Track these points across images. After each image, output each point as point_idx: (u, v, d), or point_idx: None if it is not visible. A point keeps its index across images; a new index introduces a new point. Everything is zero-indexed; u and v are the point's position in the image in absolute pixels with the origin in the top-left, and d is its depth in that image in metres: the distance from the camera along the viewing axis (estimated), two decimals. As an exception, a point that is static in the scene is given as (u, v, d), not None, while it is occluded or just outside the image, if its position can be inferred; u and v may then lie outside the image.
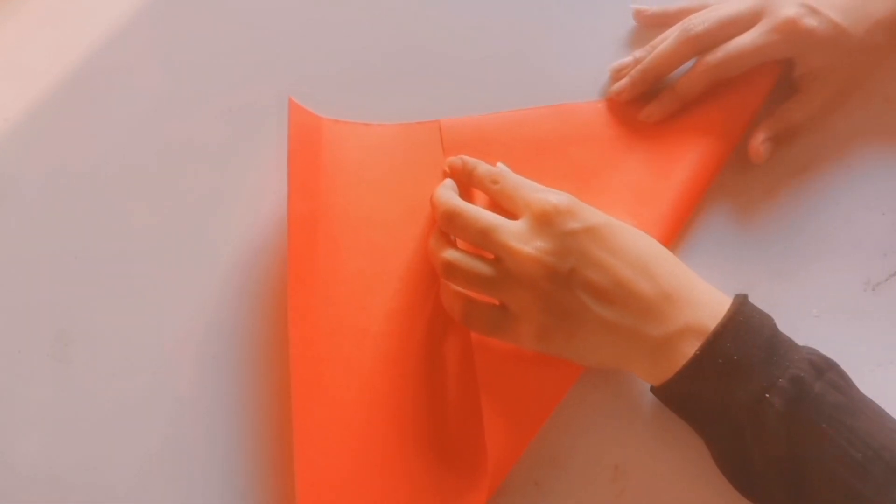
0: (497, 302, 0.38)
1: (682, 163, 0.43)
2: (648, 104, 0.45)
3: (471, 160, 0.41)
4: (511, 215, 0.38)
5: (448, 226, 0.39)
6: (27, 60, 0.48)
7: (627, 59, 0.47)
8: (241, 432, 0.39)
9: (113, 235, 0.43)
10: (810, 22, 0.42)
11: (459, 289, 0.38)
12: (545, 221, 0.36)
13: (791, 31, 0.42)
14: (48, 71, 0.47)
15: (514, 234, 0.36)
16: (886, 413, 0.34)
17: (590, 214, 0.37)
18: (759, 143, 0.44)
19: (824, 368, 0.33)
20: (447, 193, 0.40)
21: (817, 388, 0.33)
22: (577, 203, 0.37)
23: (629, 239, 0.37)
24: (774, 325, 0.35)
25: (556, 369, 0.38)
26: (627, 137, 0.45)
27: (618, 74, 0.47)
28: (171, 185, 0.45)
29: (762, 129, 0.44)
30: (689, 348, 0.34)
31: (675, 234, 0.42)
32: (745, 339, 0.34)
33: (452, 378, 0.40)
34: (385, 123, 0.45)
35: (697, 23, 0.44)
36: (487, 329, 0.37)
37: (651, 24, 0.49)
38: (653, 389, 0.36)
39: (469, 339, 0.39)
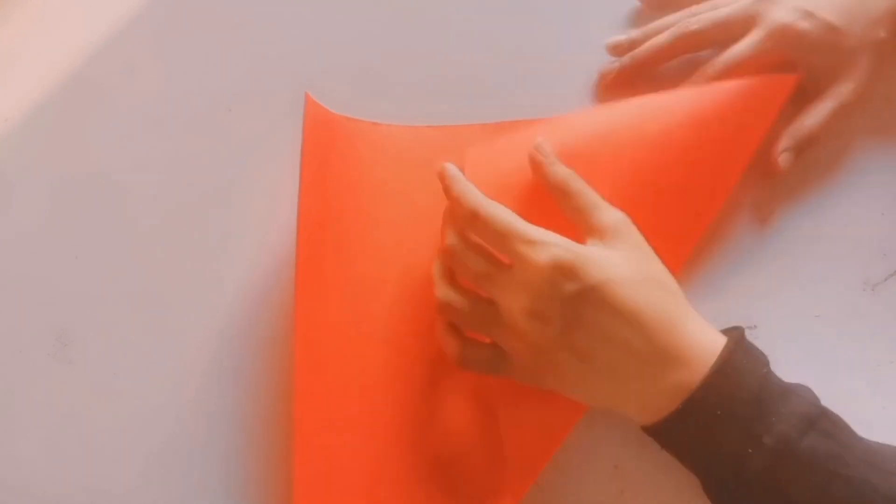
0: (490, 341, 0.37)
1: (701, 177, 0.42)
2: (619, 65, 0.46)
3: (450, 170, 0.38)
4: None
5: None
6: (28, 60, 0.48)
7: (623, 37, 0.48)
8: (242, 433, 0.39)
9: (114, 235, 0.43)
10: (804, 25, 0.42)
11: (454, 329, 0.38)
12: (539, 281, 0.34)
13: (784, 37, 0.42)
14: (49, 71, 0.47)
15: (507, 285, 0.35)
16: (878, 451, 0.33)
17: (589, 271, 0.34)
18: (778, 153, 0.43)
19: (815, 418, 0.32)
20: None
21: (804, 444, 0.32)
22: (574, 256, 0.34)
23: (629, 296, 0.34)
24: (766, 371, 0.34)
25: None
26: (651, 139, 0.44)
27: (613, 50, 0.48)
28: (172, 185, 0.45)
29: (782, 139, 0.44)
30: (677, 401, 0.33)
31: (689, 250, 0.41)
32: (730, 393, 0.33)
33: (461, 385, 0.39)
34: (397, 125, 0.45)
35: (693, 21, 0.45)
36: (482, 370, 0.37)
37: (654, 7, 0.49)
38: (643, 428, 0.36)
39: None
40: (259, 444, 0.39)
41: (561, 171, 0.38)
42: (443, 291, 0.37)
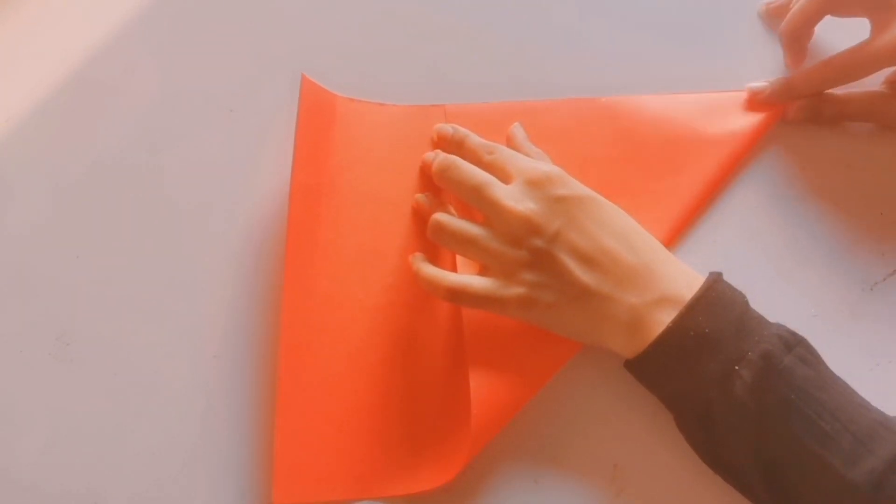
0: (479, 269, 0.39)
1: (685, 169, 0.43)
2: (763, 83, 0.45)
3: (461, 129, 0.42)
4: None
5: (442, 177, 0.40)
6: (29, 60, 0.48)
7: None
8: (242, 432, 0.39)
9: (114, 235, 0.43)
10: None
11: (441, 270, 0.39)
12: (536, 185, 0.38)
13: None
14: (50, 71, 0.47)
15: (506, 192, 0.38)
16: (852, 389, 0.35)
17: (578, 186, 0.39)
18: (798, 105, 0.44)
19: (793, 343, 0.34)
20: (441, 154, 0.41)
21: (786, 362, 0.33)
22: (566, 175, 0.39)
23: (613, 214, 0.38)
24: (746, 301, 0.36)
25: (545, 347, 0.39)
26: (632, 137, 0.45)
27: (770, 10, 0.48)
28: (172, 185, 0.45)
29: (811, 99, 0.44)
30: (664, 317, 0.35)
31: (672, 240, 0.42)
32: (716, 313, 0.35)
33: (443, 355, 0.40)
34: (398, 104, 0.46)
35: None
36: (474, 299, 0.38)
37: (775, 14, 0.49)
38: (626, 364, 0.37)
39: (462, 317, 0.40)
40: (259, 444, 0.39)
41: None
42: (438, 215, 0.39)
